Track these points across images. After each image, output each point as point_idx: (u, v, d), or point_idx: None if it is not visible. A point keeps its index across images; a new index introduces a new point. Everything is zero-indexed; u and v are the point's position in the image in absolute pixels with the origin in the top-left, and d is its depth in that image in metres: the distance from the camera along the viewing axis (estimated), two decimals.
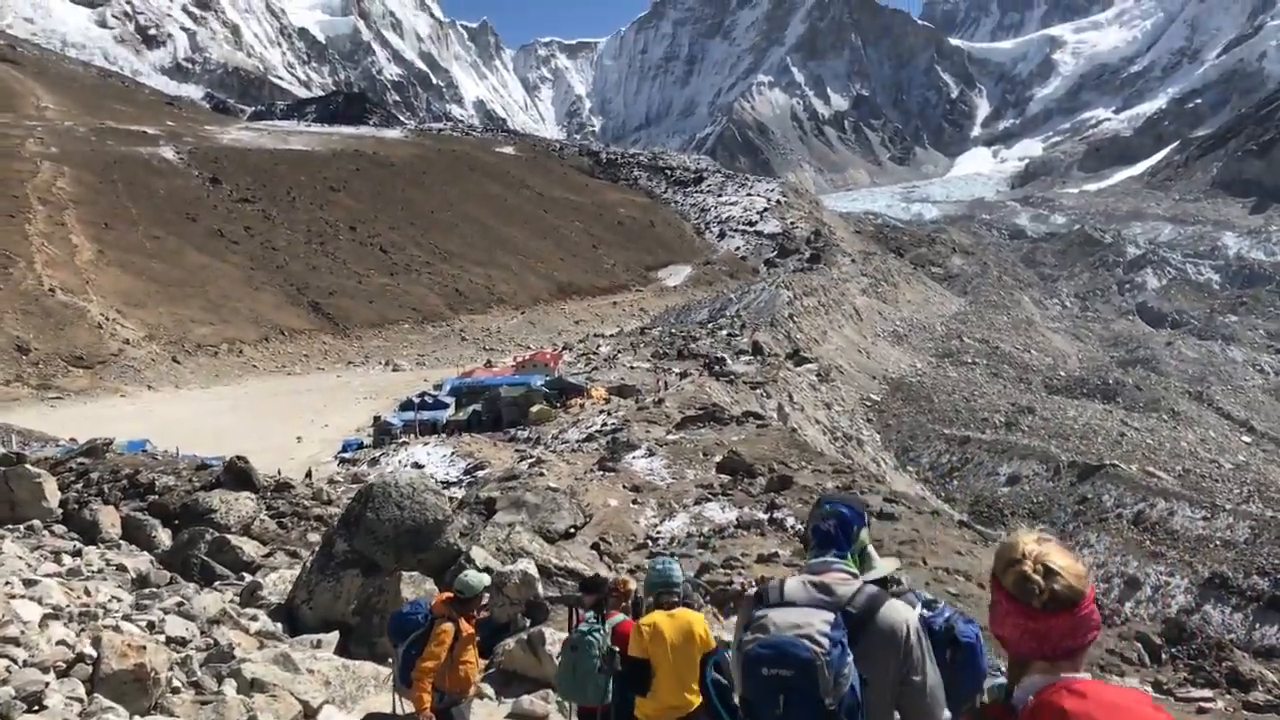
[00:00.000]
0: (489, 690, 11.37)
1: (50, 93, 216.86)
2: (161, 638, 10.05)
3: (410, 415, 68.66)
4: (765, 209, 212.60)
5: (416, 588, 12.30)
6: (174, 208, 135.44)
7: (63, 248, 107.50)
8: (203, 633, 10.73)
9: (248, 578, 15.04)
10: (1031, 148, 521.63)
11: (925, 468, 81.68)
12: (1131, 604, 49.55)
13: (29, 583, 10.77)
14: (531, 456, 42.41)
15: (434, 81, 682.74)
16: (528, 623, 12.64)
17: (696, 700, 6.29)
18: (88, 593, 11.59)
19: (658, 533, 30.95)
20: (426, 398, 74.59)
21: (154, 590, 12.80)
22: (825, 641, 3.08)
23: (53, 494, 18.21)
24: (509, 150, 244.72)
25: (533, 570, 12.96)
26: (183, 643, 10.21)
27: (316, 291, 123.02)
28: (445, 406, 72.36)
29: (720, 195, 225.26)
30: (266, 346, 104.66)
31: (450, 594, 7.80)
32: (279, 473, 29.99)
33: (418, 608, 7.90)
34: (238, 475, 21.36)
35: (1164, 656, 22.27)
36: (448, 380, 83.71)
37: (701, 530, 31.03)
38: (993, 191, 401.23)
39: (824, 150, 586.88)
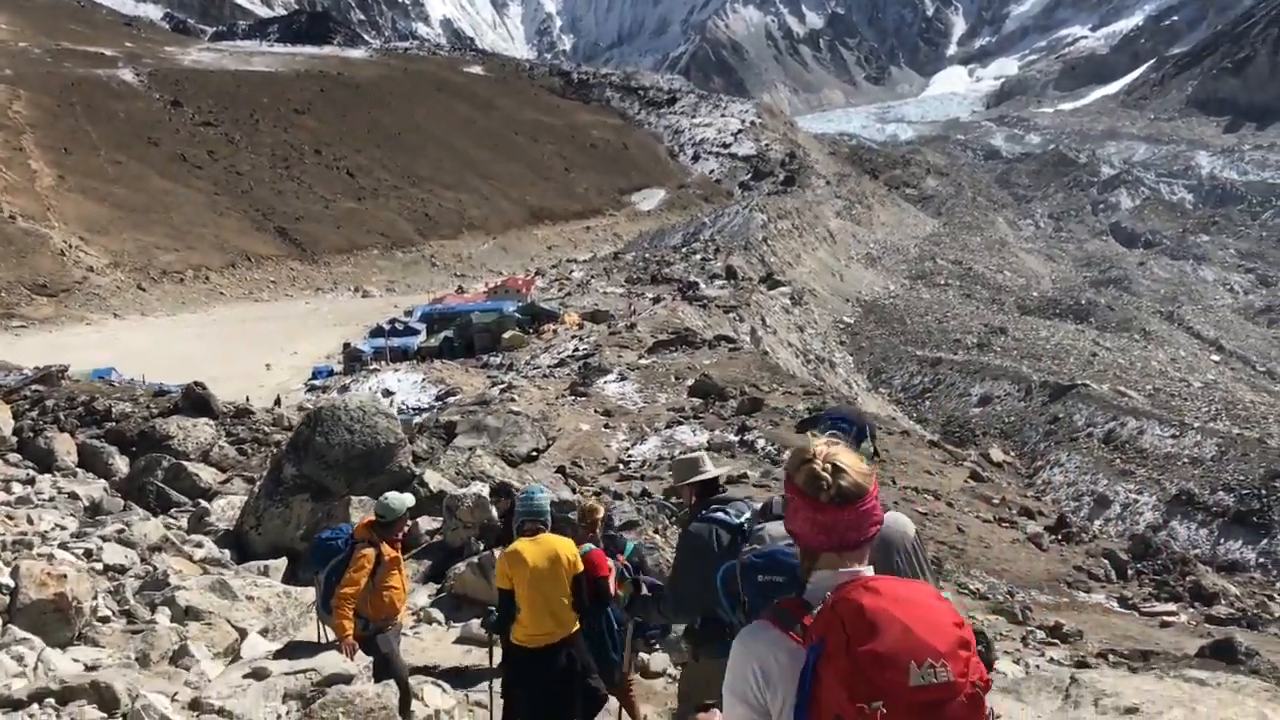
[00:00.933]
0: (439, 615, 11.10)
1: (1, 12, 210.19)
2: (99, 565, 9.88)
3: (381, 342, 68.17)
4: (740, 130, 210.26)
5: (366, 513, 11.98)
6: (135, 131, 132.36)
7: (21, 173, 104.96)
8: (143, 560, 10.46)
9: (204, 504, 14.78)
10: (1007, 66, 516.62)
11: (897, 389, 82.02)
12: (1100, 522, 50.09)
13: None
14: (503, 382, 42.08)
15: None
16: (480, 546, 12.35)
17: (572, 623, 6.34)
18: (30, 521, 11.44)
19: (629, 456, 30.80)
20: (397, 324, 74.10)
21: (100, 518, 12.53)
22: None
23: (5, 422, 18.01)
24: (478, 70, 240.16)
25: (487, 493, 12.56)
26: (121, 570, 9.94)
27: (283, 216, 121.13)
28: (416, 333, 71.93)
29: (694, 116, 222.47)
30: (233, 273, 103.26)
31: (372, 518, 7.37)
32: (247, 400, 29.55)
33: (339, 533, 7.58)
34: (196, 402, 20.86)
35: (1130, 572, 22.50)
36: (419, 307, 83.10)
37: (673, 452, 30.93)
38: (968, 111, 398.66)
39: (799, 70, 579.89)
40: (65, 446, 17.49)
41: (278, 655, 7.79)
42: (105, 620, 8.30)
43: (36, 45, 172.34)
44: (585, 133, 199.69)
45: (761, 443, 31.09)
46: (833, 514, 2.40)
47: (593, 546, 6.87)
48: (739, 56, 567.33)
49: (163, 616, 8.63)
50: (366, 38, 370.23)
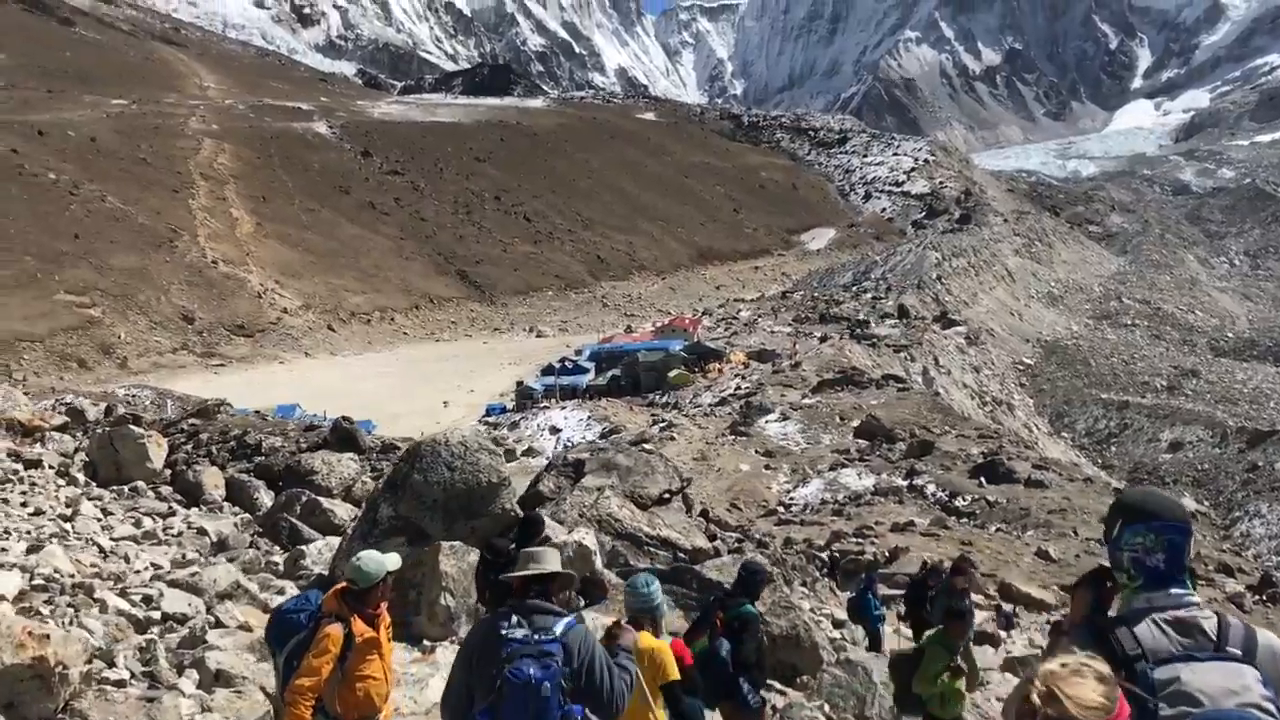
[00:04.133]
0: None
1: (212, 72, 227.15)
2: (156, 614, 8.94)
3: (551, 380, 69.72)
4: (912, 169, 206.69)
5: (459, 560, 10.71)
6: (327, 180, 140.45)
7: (224, 221, 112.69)
8: (208, 609, 9.43)
9: (332, 541, 13.77)
10: (1198, 98, 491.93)
11: (1081, 434, 78.45)
12: None
13: (34, 548, 10.03)
14: (665, 420, 42.34)
15: (576, 50, 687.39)
16: (581, 603, 10.60)
17: None
18: (127, 560, 10.83)
19: (790, 499, 30.45)
20: (567, 363, 75.64)
21: (200, 559, 11.93)
22: (1273, 709, 2.54)
23: (158, 455, 17.83)
24: (650, 116, 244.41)
25: (589, 541, 11.43)
26: (182, 620, 8.97)
27: (463, 260, 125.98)
28: (585, 371, 73.22)
29: (865, 156, 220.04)
30: (416, 314, 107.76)
31: (344, 583, 5.67)
32: (421, 435, 30.47)
33: (304, 602, 5.77)
34: (343, 436, 20.58)
35: None
36: (588, 346, 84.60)
37: (836, 497, 30.39)
38: (1154, 146, 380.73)
39: (974, 107, 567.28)
40: (213, 480, 17.39)
41: None
42: (120, 685, 7.18)
43: (241, 102, 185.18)
44: (754, 174, 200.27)
45: (931, 488, 30.24)
46: None
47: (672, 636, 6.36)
48: (912, 95, 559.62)
49: (188, 681, 7.44)
50: (545, 88, 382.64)
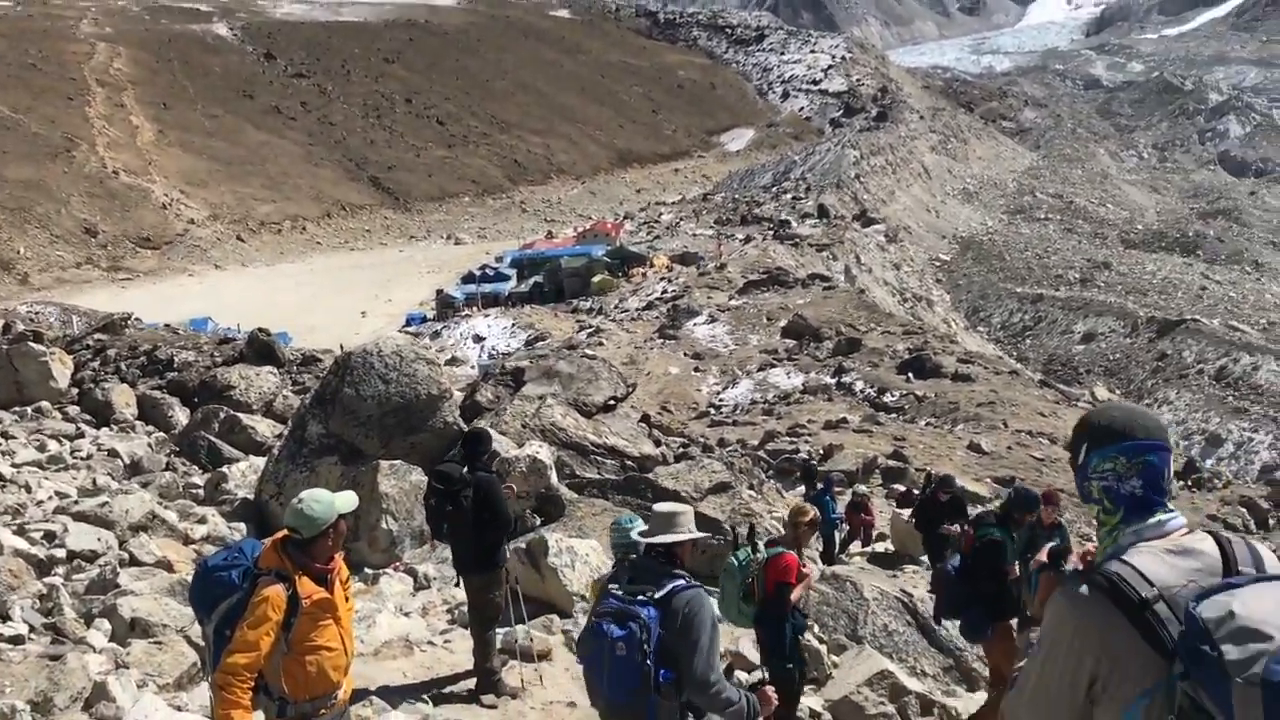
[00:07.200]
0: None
1: None
2: (60, 552, 8.05)
3: (472, 288, 68.69)
4: (830, 66, 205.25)
5: (400, 480, 9.92)
6: (230, 85, 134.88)
7: (123, 129, 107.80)
8: (121, 544, 8.43)
9: (256, 462, 12.76)
10: None
11: (997, 327, 79.97)
12: (1213, 461, 48.24)
13: None
14: (591, 326, 41.93)
15: None
16: (538, 521, 10.20)
17: None
18: (28, 490, 9.96)
19: (720, 400, 30.41)
20: (488, 270, 74.51)
21: (113, 484, 11.06)
22: None
23: (62, 373, 16.88)
24: (564, 14, 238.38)
25: (544, 455, 10.71)
26: (90, 558, 8.00)
27: (376, 166, 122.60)
28: (507, 279, 72.26)
29: (783, 54, 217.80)
30: (329, 223, 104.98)
31: (284, 532, 4.45)
32: (340, 347, 29.51)
33: (237, 556, 4.45)
34: (261, 349, 19.69)
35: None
36: (509, 252, 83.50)
37: (766, 397, 30.39)
38: (1066, 40, 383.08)
39: (890, 3, 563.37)
40: (124, 398, 16.42)
41: None
42: (16, 641, 6.22)
43: (134, 2, 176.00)
44: (672, 74, 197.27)
45: (860, 385, 30.39)
46: None
47: (783, 550, 6.28)
48: None
49: (98, 634, 6.49)
50: None
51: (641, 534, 4.57)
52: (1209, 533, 2.32)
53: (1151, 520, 2.35)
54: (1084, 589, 2.24)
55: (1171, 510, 2.37)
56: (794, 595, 6.16)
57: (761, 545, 6.46)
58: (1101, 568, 2.25)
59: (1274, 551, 2.38)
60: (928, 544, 11.27)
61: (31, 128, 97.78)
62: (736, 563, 6.32)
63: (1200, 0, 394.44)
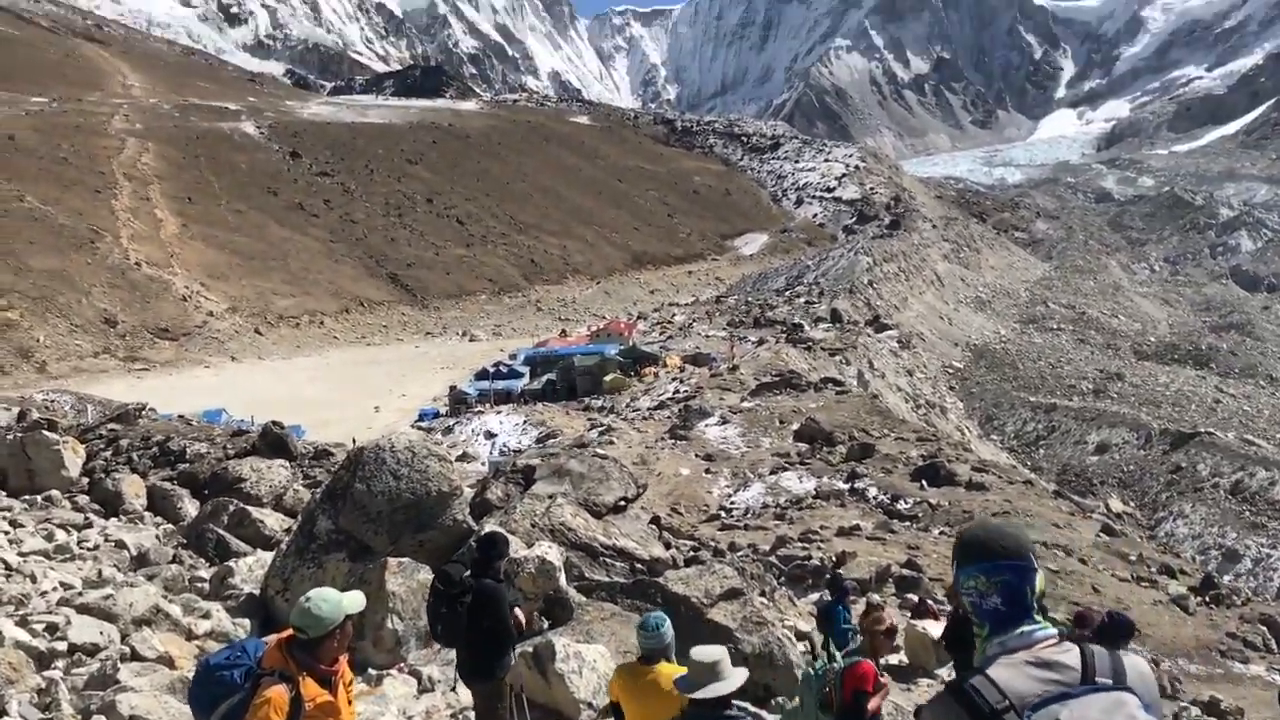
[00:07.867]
0: None
1: (136, 71, 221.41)
2: (61, 645, 8.02)
3: (485, 384, 68.86)
4: (843, 175, 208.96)
5: (407, 579, 9.82)
6: (255, 182, 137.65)
7: (148, 222, 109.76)
8: (123, 638, 8.45)
9: (264, 556, 12.78)
10: (1118, 109, 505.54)
11: (1010, 436, 79.57)
12: (1230, 577, 47.41)
13: None
14: (603, 425, 41.87)
15: (509, 53, 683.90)
16: (545, 625, 10.01)
17: None
18: (33, 580, 9.91)
19: (731, 503, 30.11)
20: (501, 367, 74.80)
21: (123, 577, 11.00)
22: None
23: (73, 463, 16.91)
24: (584, 120, 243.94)
25: (553, 557, 10.61)
26: (91, 651, 8.01)
27: (395, 263, 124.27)
28: (520, 376, 72.49)
29: (797, 161, 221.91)
30: (347, 318, 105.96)
31: (289, 632, 4.39)
32: (353, 441, 29.52)
33: (240, 655, 4.44)
34: (273, 442, 19.78)
35: None
36: (522, 350, 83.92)
37: (778, 501, 30.12)
38: (1078, 155, 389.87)
39: (903, 115, 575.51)
40: (134, 489, 16.35)
41: None
42: None
43: (166, 101, 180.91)
44: (688, 179, 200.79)
45: (873, 491, 30.11)
46: None
47: (860, 659, 6.29)
48: (843, 102, 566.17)
49: None
50: (478, 90, 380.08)
51: (684, 688, 4.51)
52: (1074, 643, 2.47)
53: (1016, 632, 2.51)
54: (947, 696, 2.42)
55: (1037, 621, 2.52)
56: (872, 705, 6.12)
57: (839, 655, 6.45)
58: (963, 679, 2.43)
59: None
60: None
61: (59, 219, 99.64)
62: (814, 673, 6.33)
63: (1210, 118, 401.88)
